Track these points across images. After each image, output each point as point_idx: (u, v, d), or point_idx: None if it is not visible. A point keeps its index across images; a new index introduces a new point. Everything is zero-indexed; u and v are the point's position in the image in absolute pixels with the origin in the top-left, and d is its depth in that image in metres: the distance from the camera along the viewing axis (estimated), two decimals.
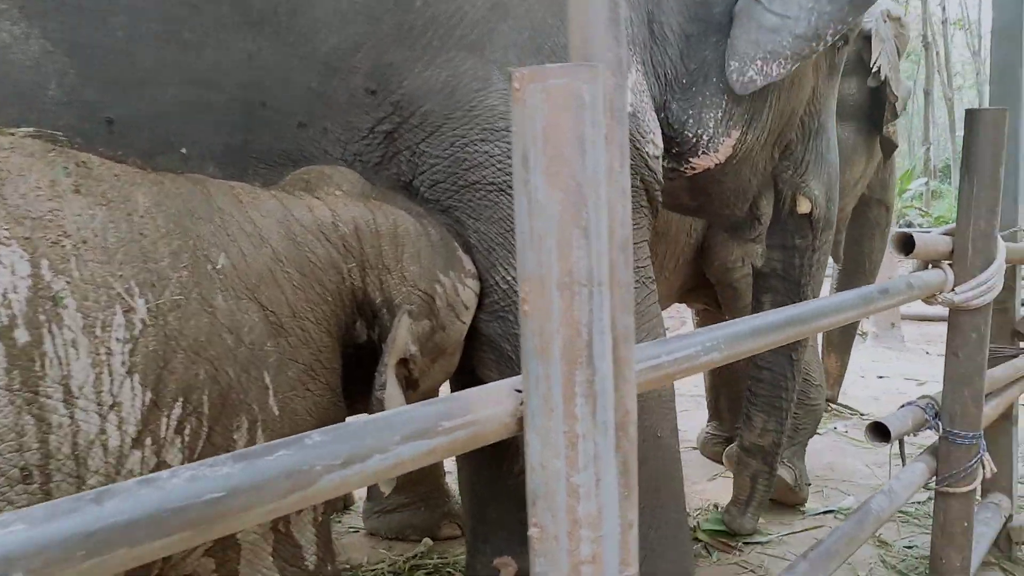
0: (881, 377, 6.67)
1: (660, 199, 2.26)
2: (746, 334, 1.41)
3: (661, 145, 2.20)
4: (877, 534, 3.60)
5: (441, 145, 2.03)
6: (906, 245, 2.04)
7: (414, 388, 1.94)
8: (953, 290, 2.20)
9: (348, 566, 3.37)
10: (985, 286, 2.18)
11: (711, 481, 4.25)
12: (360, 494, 3.95)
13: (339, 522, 3.88)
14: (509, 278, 2.05)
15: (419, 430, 0.90)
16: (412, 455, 0.88)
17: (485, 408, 0.97)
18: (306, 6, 1.99)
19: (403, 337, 1.78)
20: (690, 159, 2.33)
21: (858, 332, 8.54)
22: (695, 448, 4.75)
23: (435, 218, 2.04)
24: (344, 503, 3.98)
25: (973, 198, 2.20)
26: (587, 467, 0.96)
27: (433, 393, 2.21)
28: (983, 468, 2.30)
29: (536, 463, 0.97)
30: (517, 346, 2.07)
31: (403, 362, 1.83)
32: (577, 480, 0.96)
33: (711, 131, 2.29)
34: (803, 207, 2.69)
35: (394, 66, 2.03)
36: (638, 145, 2.13)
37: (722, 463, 4.48)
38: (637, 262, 2.16)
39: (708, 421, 4.63)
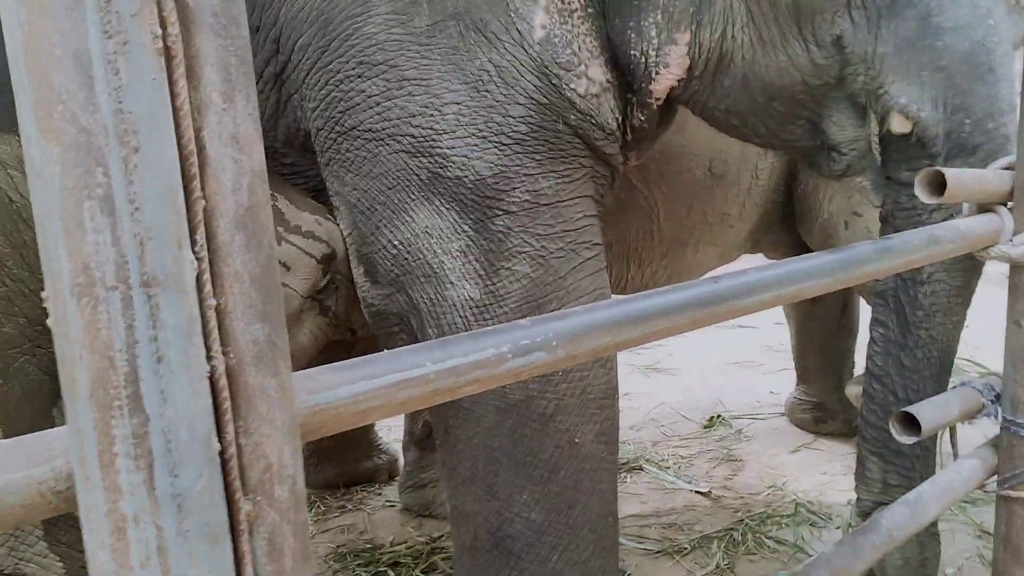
0: None
1: (610, 147, 1.83)
2: (594, 328, 1.02)
3: (601, 79, 1.76)
4: (978, 522, 3.08)
5: (317, 84, 1.73)
6: (936, 186, 1.55)
7: None
8: (1011, 240, 1.69)
9: (369, 545, 3.16)
10: None
11: (794, 453, 3.78)
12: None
13: (379, 494, 3.69)
14: (396, 240, 1.74)
15: None
16: None
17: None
18: None
19: None
20: (648, 86, 1.83)
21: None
22: (782, 414, 4.27)
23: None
24: (389, 474, 3.79)
25: None
26: (147, 563, 0.63)
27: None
28: None
29: (88, 554, 0.66)
30: (424, 322, 1.75)
31: None
32: None
33: (655, 41, 1.77)
34: (896, 125, 1.84)
35: None
36: (555, 81, 1.71)
37: (810, 431, 4.04)
38: (563, 224, 1.77)
39: (796, 384, 4.14)
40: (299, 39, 1.72)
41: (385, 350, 0.91)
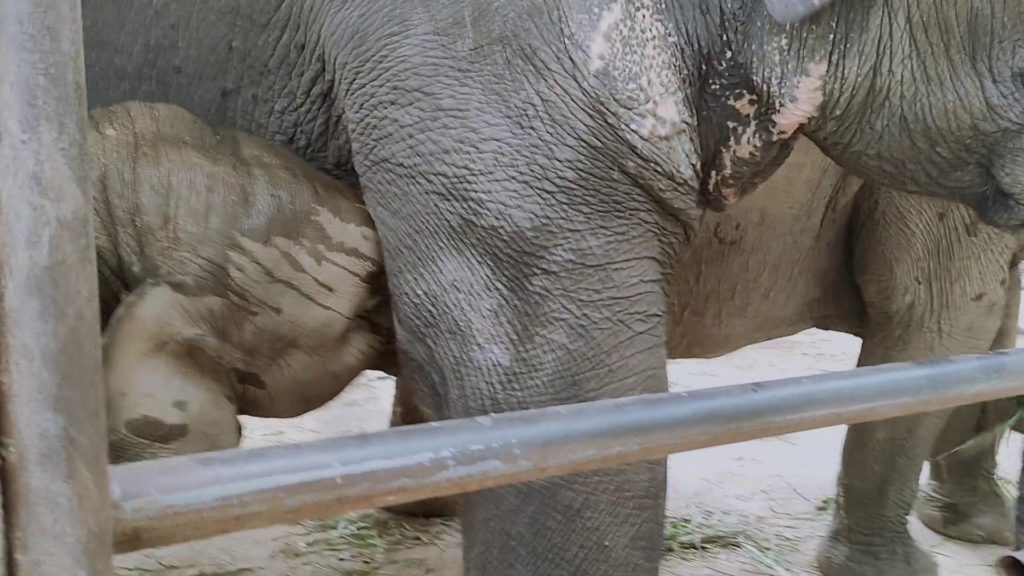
0: None
1: (681, 199, 1.61)
2: (573, 437, 0.83)
3: (674, 118, 1.55)
4: None
5: (354, 107, 1.61)
6: None
7: (257, 385, 1.67)
8: None
9: None
10: None
11: None
12: None
13: (459, 530, 3.55)
14: (420, 291, 1.59)
15: None
16: None
17: None
18: None
19: (151, 312, 1.49)
20: (772, 117, 1.59)
21: None
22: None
23: (302, 171, 1.69)
24: None
25: None
26: None
27: (315, 400, 1.85)
28: None
29: None
30: (444, 378, 1.60)
31: (196, 350, 1.57)
32: None
33: (778, 71, 1.54)
34: None
35: (313, 11, 1.64)
36: (611, 120, 1.51)
37: (938, 531, 3.63)
38: (612, 291, 1.56)
39: (928, 477, 3.72)
40: (338, 56, 1.62)
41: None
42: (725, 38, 1.56)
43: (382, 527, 3.50)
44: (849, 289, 2.75)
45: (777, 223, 2.55)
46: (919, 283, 2.56)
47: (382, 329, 1.79)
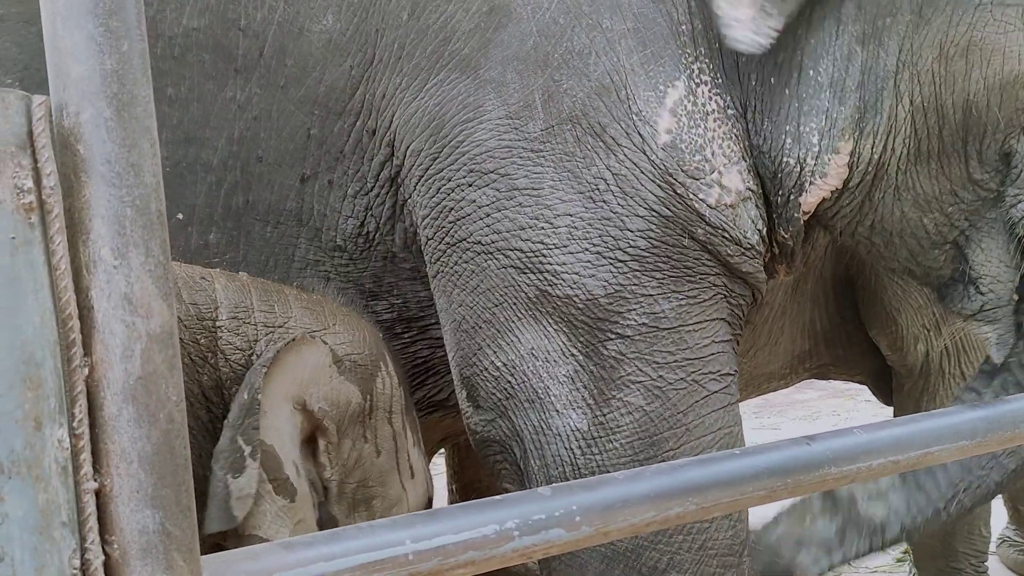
0: None
1: (749, 264, 1.66)
2: (633, 500, 0.86)
3: (739, 187, 1.62)
4: None
5: (428, 192, 1.67)
6: None
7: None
8: None
9: None
10: None
11: None
12: None
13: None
14: (500, 362, 1.63)
15: None
16: None
17: None
18: (294, 42, 1.73)
19: (311, 359, 1.53)
20: (798, 198, 1.65)
21: None
22: (993, 552, 3.73)
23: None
24: None
25: None
26: None
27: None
28: None
29: None
30: (525, 449, 1.63)
31: (312, 442, 1.55)
32: None
33: (816, 149, 1.61)
34: None
35: (386, 98, 1.71)
36: (680, 191, 1.57)
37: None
38: (685, 352, 1.60)
39: (1008, 520, 3.61)
40: (411, 144, 1.69)
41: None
42: (759, 118, 1.65)
43: None
44: (843, 337, 2.70)
45: None
46: (928, 330, 2.51)
47: None
